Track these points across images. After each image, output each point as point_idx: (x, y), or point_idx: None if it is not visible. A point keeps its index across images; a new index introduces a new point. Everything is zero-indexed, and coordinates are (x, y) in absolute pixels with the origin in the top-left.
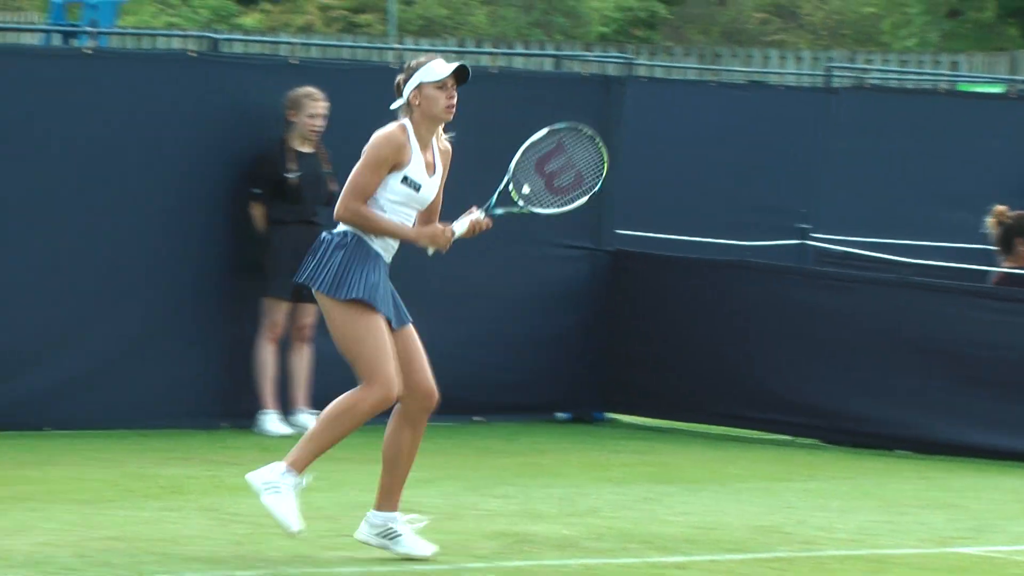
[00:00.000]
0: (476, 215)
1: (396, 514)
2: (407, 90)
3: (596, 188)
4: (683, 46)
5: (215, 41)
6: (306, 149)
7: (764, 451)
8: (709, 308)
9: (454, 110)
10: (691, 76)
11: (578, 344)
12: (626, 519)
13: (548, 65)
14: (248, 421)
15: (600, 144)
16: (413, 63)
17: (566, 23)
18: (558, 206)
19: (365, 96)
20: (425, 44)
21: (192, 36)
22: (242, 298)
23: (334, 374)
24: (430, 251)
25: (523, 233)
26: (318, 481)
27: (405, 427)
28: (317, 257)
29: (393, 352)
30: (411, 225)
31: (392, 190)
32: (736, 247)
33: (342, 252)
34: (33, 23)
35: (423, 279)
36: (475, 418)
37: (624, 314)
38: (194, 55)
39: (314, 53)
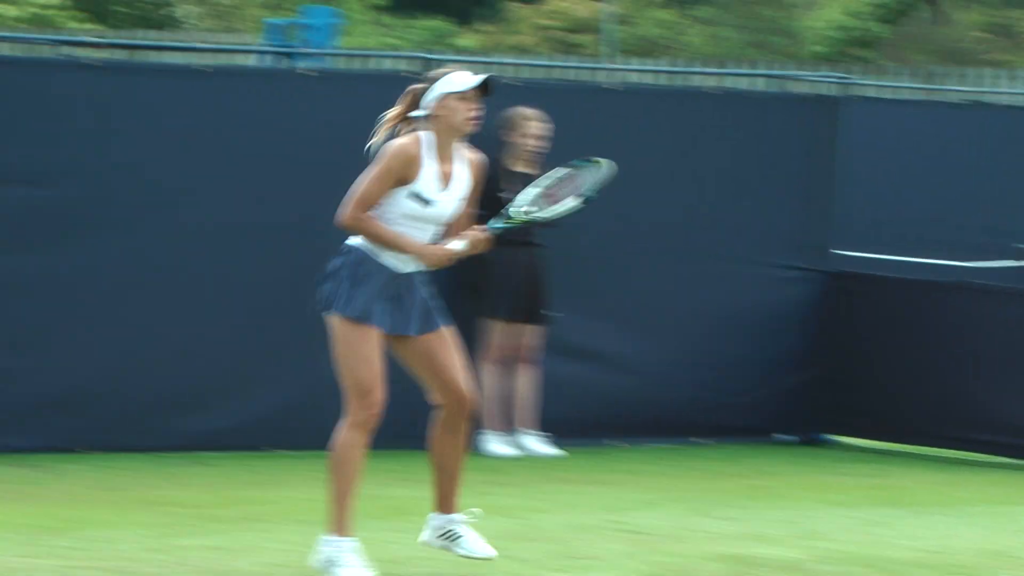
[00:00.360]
0: (476, 232)
1: (455, 515)
2: (429, 99)
3: (589, 194)
4: (900, 65)
5: (430, 61)
6: (524, 169)
7: (992, 474)
8: (932, 329)
9: (476, 123)
10: (907, 95)
11: (799, 366)
12: (852, 542)
13: (764, 85)
14: (474, 443)
15: (603, 167)
16: (435, 73)
17: (783, 42)
18: (548, 211)
19: (580, 116)
20: (637, 64)
21: (407, 57)
22: (463, 319)
23: (560, 395)
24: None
25: (742, 254)
26: (542, 503)
27: (445, 433)
28: (323, 280)
29: (375, 359)
30: (426, 241)
31: (399, 204)
32: (958, 268)
33: (347, 268)
34: (250, 44)
35: (644, 300)
36: (694, 440)
37: (846, 335)
38: (407, 75)
39: (529, 73)
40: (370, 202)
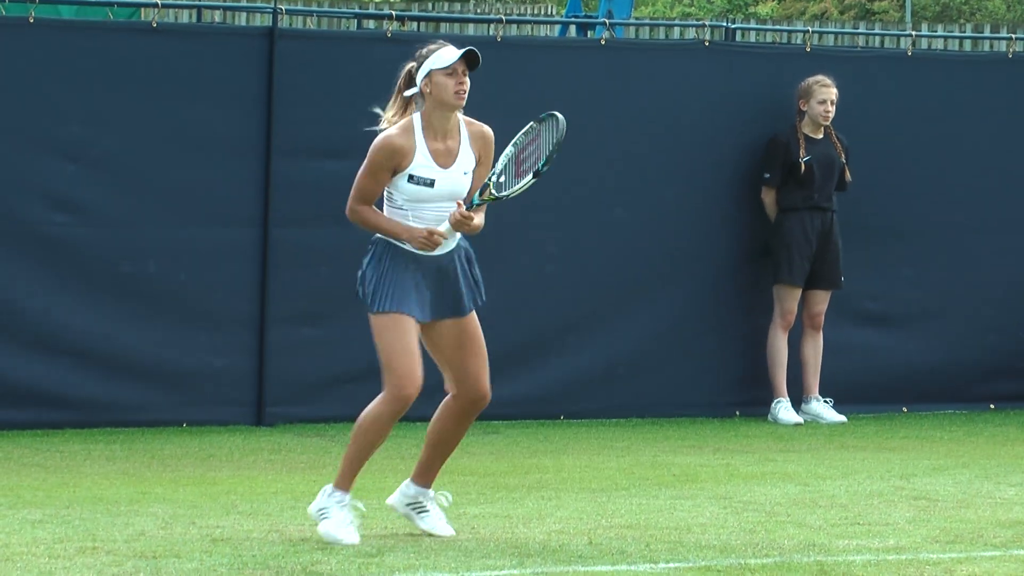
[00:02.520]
0: (457, 211)
1: (429, 491)
2: (419, 78)
3: (540, 167)
4: None
5: (730, 31)
6: (818, 136)
7: None
8: None
9: (464, 96)
10: None
11: None
12: None
13: None
14: (762, 409)
15: (559, 128)
16: (424, 51)
17: None
18: (510, 190)
19: (879, 83)
20: (940, 31)
21: (707, 26)
22: (756, 286)
23: (846, 361)
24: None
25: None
26: (829, 470)
27: (450, 419)
28: (359, 277)
29: (412, 348)
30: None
31: (402, 190)
32: None
33: (372, 263)
34: (551, 15)
35: (939, 267)
36: (991, 405)
37: None
38: (709, 44)
39: (828, 41)
40: (366, 195)
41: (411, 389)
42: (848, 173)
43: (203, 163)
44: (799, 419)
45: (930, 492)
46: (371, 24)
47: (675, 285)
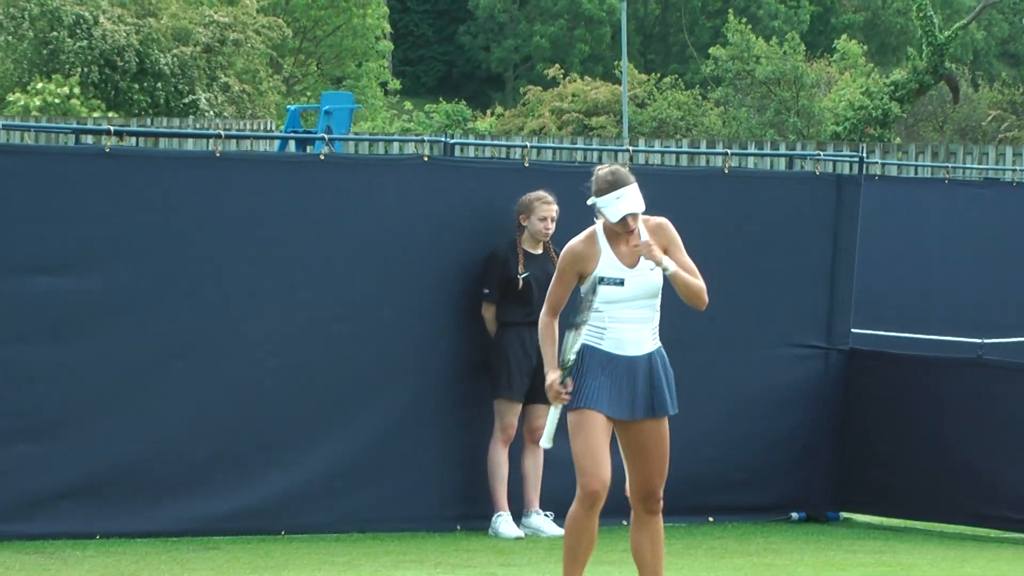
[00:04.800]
0: (554, 380)
1: None
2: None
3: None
4: (917, 144)
5: (448, 145)
6: (537, 251)
7: (1002, 550)
8: (946, 406)
9: (630, 225)
10: (925, 174)
11: (812, 443)
12: None
13: (781, 165)
14: (483, 523)
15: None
16: (599, 179)
17: (799, 123)
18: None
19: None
20: (657, 145)
21: (426, 141)
22: (475, 400)
23: (565, 476)
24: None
25: (757, 333)
26: None
27: (636, 527)
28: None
29: (596, 445)
30: (640, 319)
31: (597, 294)
32: (975, 345)
33: (574, 367)
34: (270, 131)
35: None
36: (710, 518)
37: (859, 413)
38: (427, 159)
39: (547, 156)
40: (556, 303)
41: (596, 486)
42: None
43: None
44: (520, 532)
45: None
46: (89, 139)
47: (393, 398)
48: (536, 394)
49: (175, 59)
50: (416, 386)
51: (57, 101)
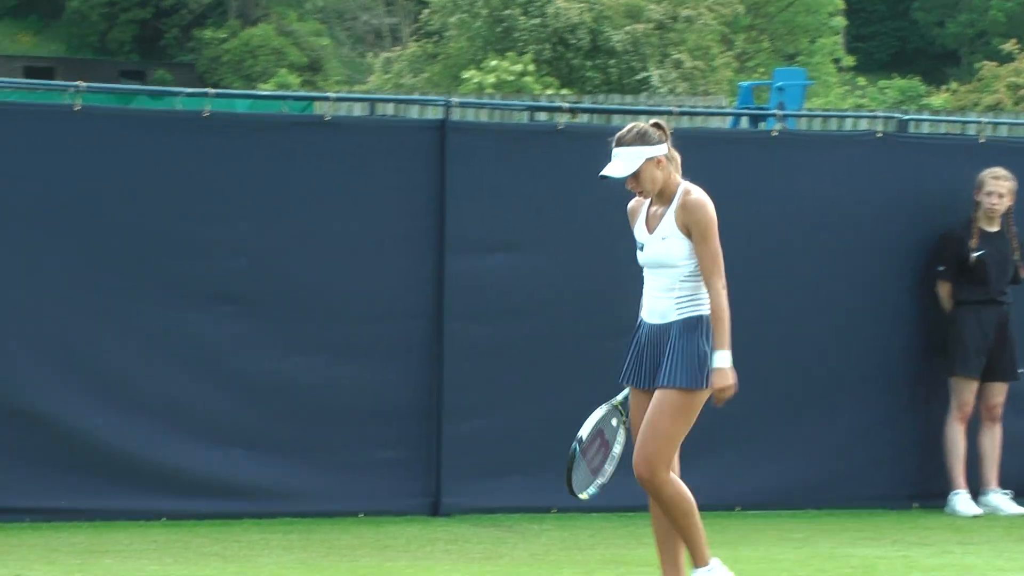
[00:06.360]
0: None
1: (713, 561)
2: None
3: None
4: None
5: (902, 121)
6: (992, 228)
7: None
8: None
9: (640, 193)
10: None
11: None
12: None
13: None
14: (939, 502)
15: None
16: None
17: None
18: (596, 487)
19: None
20: None
21: (879, 117)
22: (931, 378)
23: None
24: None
25: None
26: (1009, 563)
27: (652, 502)
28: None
29: (635, 421)
30: (662, 287)
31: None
32: None
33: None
34: (723, 107)
35: None
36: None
37: None
38: (881, 136)
39: (1003, 132)
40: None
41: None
42: (1022, 269)
43: (375, 257)
44: (978, 511)
45: None
46: (543, 116)
47: (847, 376)
48: (993, 371)
49: (627, 36)
50: (870, 363)
51: (511, 79)
